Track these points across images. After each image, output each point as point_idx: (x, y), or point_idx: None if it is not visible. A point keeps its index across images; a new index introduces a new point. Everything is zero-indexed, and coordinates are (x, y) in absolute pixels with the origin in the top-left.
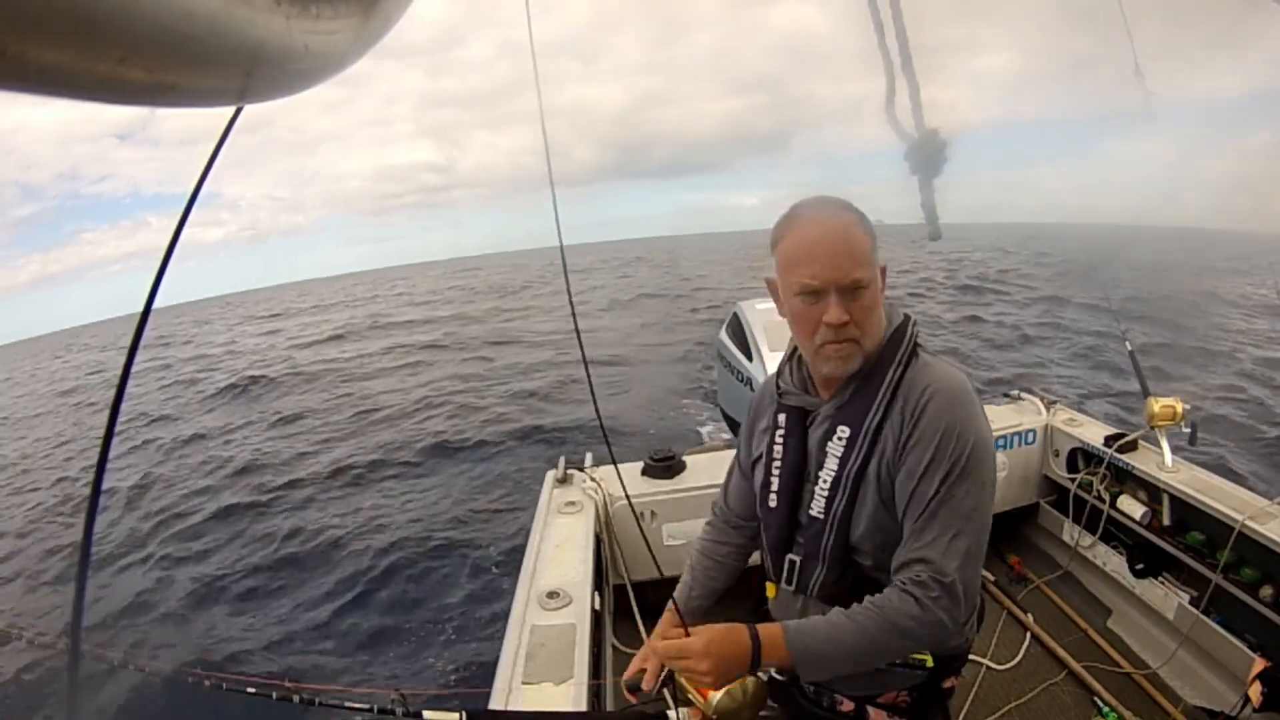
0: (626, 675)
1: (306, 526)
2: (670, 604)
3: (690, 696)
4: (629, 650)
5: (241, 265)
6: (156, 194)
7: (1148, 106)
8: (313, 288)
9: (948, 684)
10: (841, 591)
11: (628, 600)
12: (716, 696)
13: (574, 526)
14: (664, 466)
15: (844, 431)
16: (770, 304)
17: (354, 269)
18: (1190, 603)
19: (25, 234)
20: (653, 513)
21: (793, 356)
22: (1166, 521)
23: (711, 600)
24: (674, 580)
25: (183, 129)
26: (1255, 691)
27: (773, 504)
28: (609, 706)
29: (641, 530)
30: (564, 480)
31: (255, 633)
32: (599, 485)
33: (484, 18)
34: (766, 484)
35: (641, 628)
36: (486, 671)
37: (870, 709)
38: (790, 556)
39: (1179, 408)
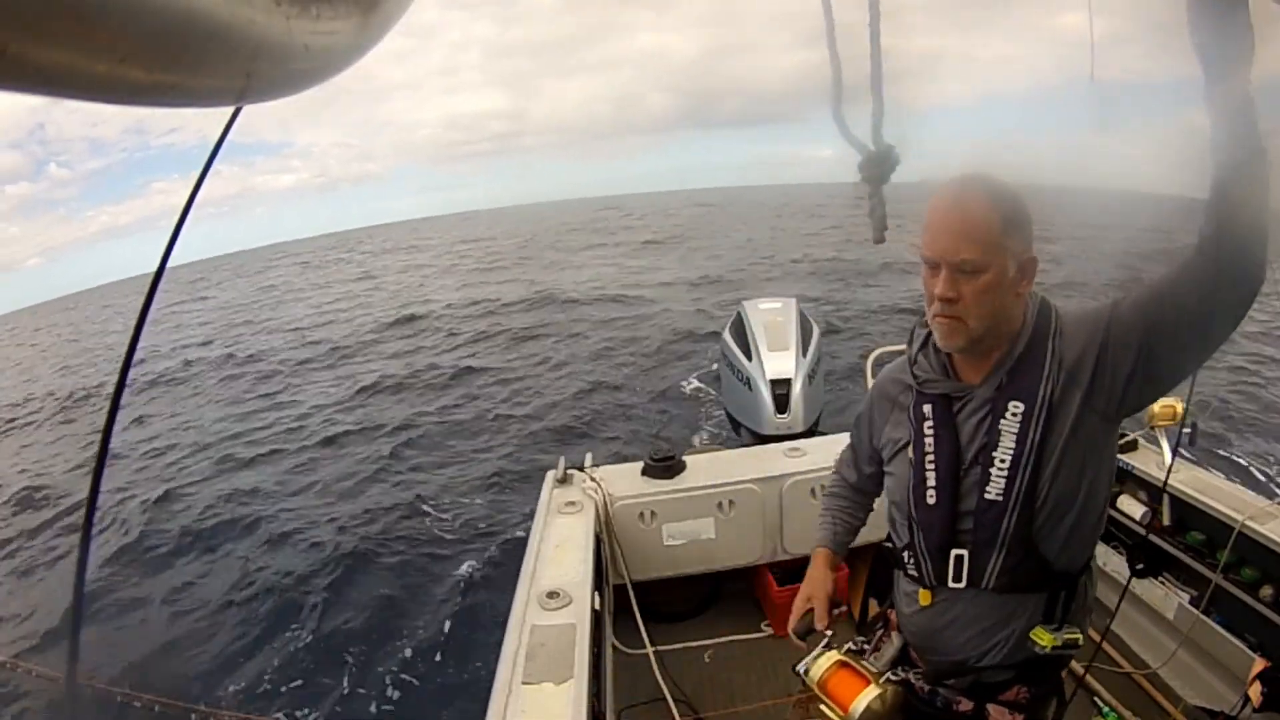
0: (792, 625)
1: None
2: (818, 551)
3: (826, 709)
4: (629, 650)
5: (313, 211)
6: (227, 143)
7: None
8: (391, 232)
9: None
10: (1019, 579)
11: (628, 600)
12: (860, 707)
13: (574, 526)
14: (664, 467)
15: (1017, 408)
16: (772, 304)
17: (424, 214)
18: (1190, 603)
19: (94, 187)
20: (653, 513)
21: (925, 344)
22: (1166, 521)
23: (852, 538)
24: (674, 580)
25: None
26: (1255, 691)
27: (931, 500)
28: (609, 707)
29: (641, 531)
30: (564, 480)
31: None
32: (599, 485)
33: None
34: (921, 481)
35: (641, 628)
36: (486, 671)
37: (990, 707)
38: (956, 552)
39: (1179, 408)
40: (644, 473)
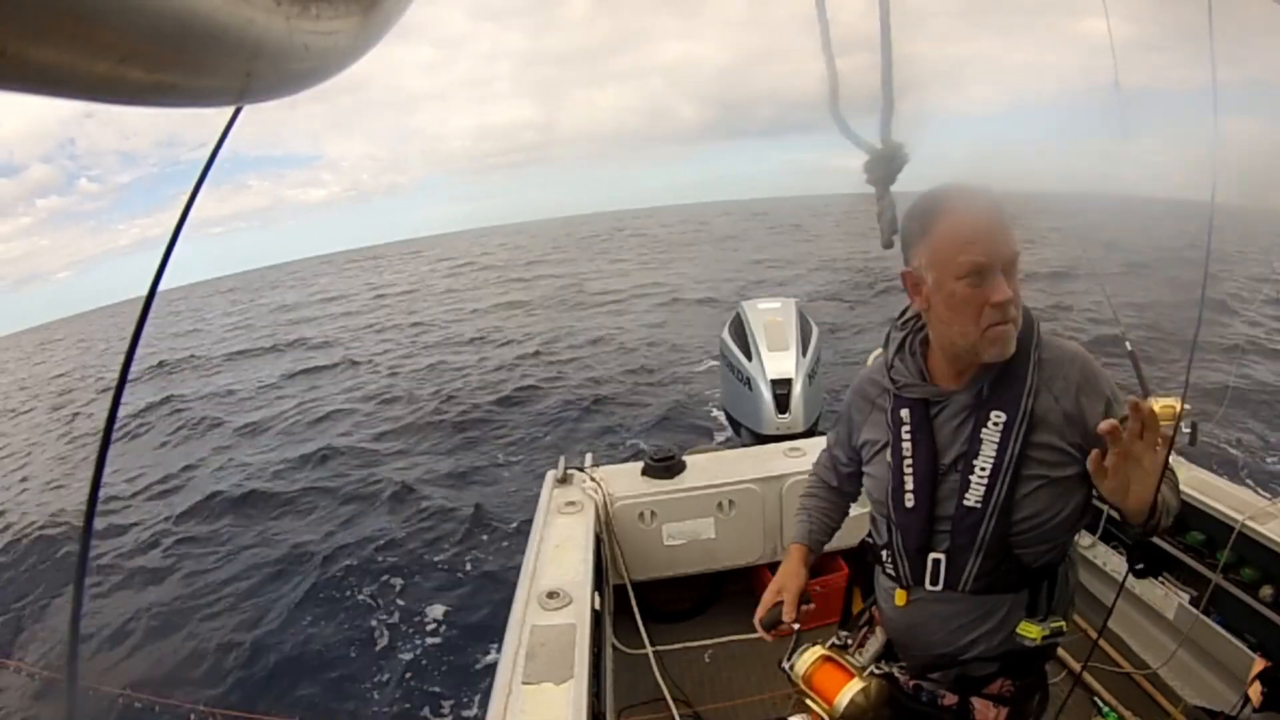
0: (760, 615)
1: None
2: (793, 547)
3: (811, 704)
4: (629, 650)
5: (347, 224)
6: (258, 156)
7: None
8: (429, 244)
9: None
10: (996, 582)
11: (628, 600)
12: (844, 701)
13: (574, 526)
14: (664, 467)
15: (999, 417)
16: (771, 304)
17: (459, 227)
18: (1190, 603)
19: (124, 200)
20: (653, 513)
21: (901, 348)
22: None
23: (828, 538)
24: (674, 580)
25: None
26: (1255, 691)
27: (910, 504)
28: (609, 707)
29: (641, 531)
30: (564, 480)
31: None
32: (599, 485)
33: None
34: (900, 485)
35: (641, 627)
36: (486, 671)
37: (975, 700)
38: (934, 555)
39: (1179, 407)
40: (644, 473)
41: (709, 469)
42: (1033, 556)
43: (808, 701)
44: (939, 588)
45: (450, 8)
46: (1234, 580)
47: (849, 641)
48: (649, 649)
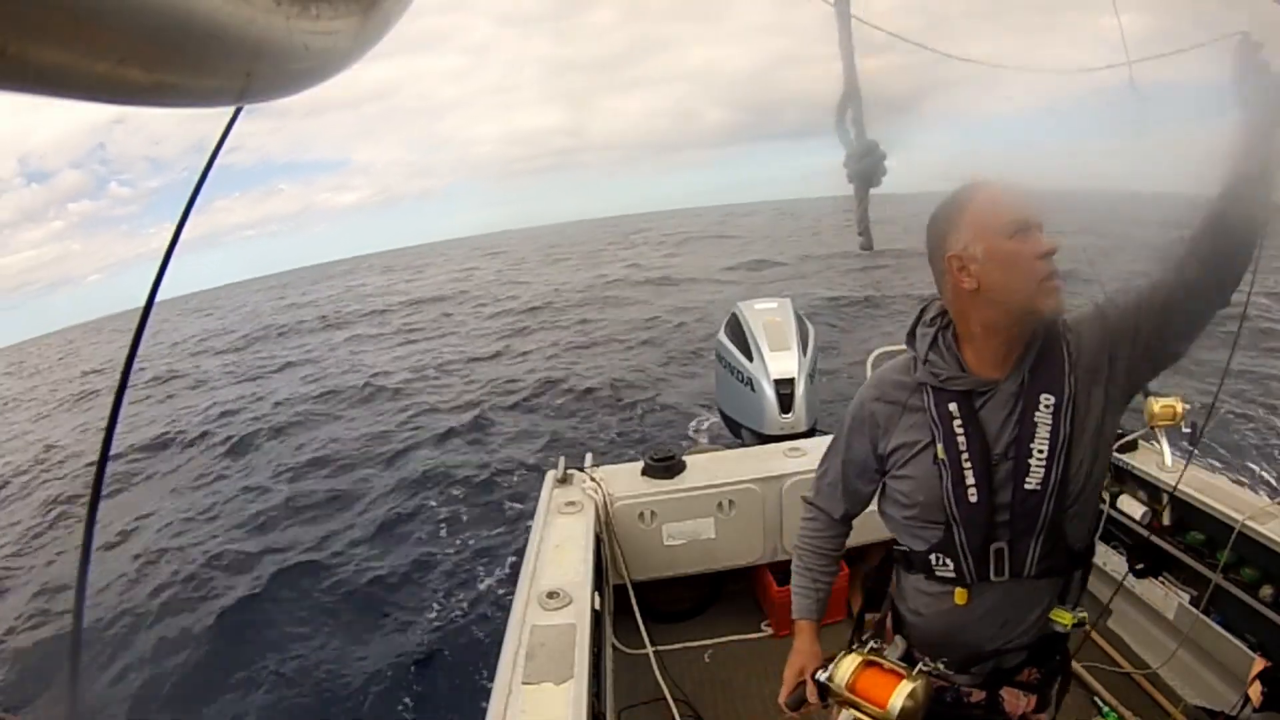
0: (784, 697)
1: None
2: (802, 624)
3: (864, 707)
4: (629, 650)
5: (378, 227)
6: (287, 162)
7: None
8: (453, 247)
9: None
10: (1053, 564)
11: (628, 600)
12: (898, 703)
13: (574, 526)
14: (664, 467)
15: (1048, 400)
16: (768, 304)
17: (489, 230)
18: (1190, 603)
19: (155, 204)
20: (653, 513)
21: (934, 344)
22: (1166, 521)
23: (829, 598)
24: (674, 580)
25: (307, 99)
26: (1255, 691)
27: (973, 499)
28: (609, 707)
29: (641, 531)
30: (564, 480)
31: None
32: (599, 485)
33: None
34: (959, 479)
35: (642, 627)
36: (487, 672)
37: (1004, 691)
38: (995, 545)
39: (1179, 408)
40: (644, 473)
41: (709, 469)
42: (1074, 535)
43: (852, 712)
44: (1004, 577)
45: (477, 15)
46: (1234, 580)
47: (881, 644)
48: (649, 649)
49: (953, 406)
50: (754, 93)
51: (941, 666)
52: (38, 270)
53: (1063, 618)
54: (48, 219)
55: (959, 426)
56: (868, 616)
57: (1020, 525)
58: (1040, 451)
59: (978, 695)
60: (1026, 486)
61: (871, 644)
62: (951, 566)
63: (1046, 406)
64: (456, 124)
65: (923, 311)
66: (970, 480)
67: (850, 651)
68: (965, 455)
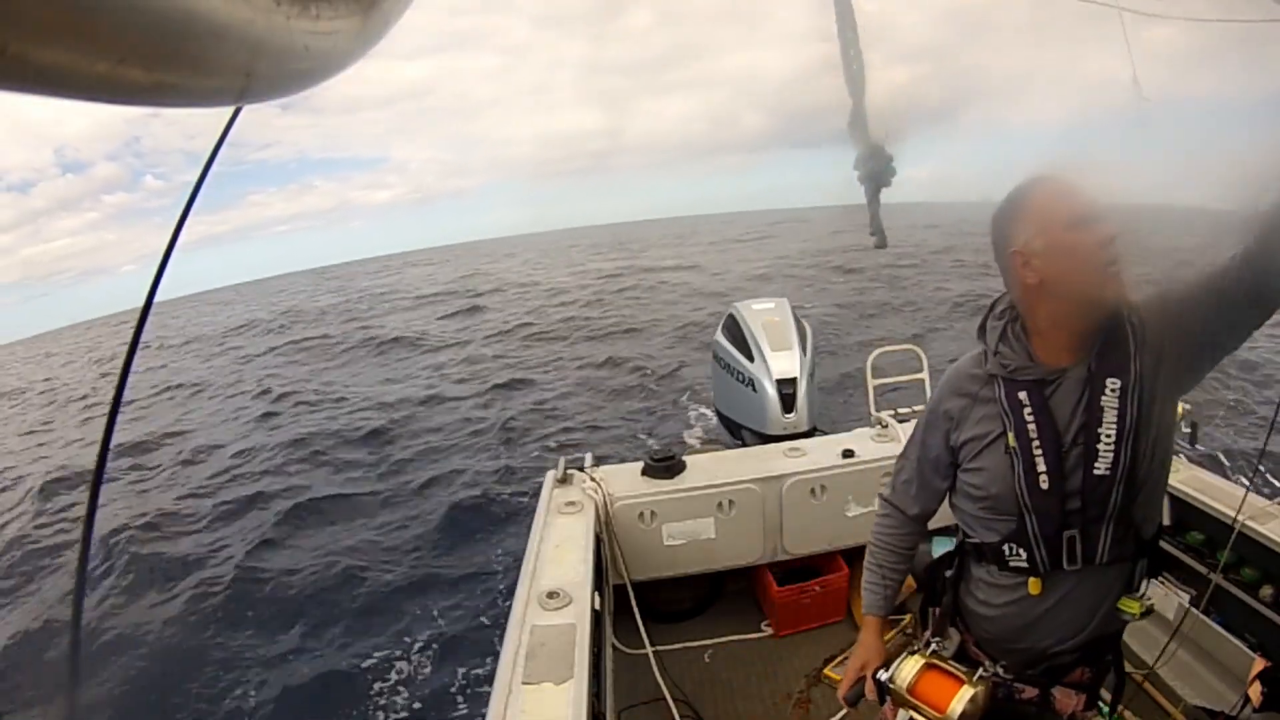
0: (843, 692)
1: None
2: (869, 619)
3: (924, 710)
4: (629, 650)
5: (412, 225)
6: (322, 159)
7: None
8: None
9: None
10: (1124, 550)
11: (628, 600)
12: (959, 709)
13: (574, 526)
14: (664, 467)
15: (1114, 384)
16: (766, 304)
17: (526, 231)
18: (1190, 603)
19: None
20: (653, 513)
21: (1004, 336)
22: (1166, 521)
23: (899, 594)
24: (674, 580)
25: (342, 97)
26: (1255, 691)
27: (1045, 486)
28: (609, 707)
29: (641, 531)
30: (564, 480)
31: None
32: (599, 485)
33: None
34: (1030, 468)
35: (641, 627)
36: (487, 672)
37: (1056, 691)
38: (1068, 533)
39: (1179, 408)
40: (644, 473)
41: (709, 469)
42: (1143, 520)
43: (911, 714)
44: (1077, 565)
45: (514, 16)
46: (1234, 580)
47: (944, 648)
48: (649, 649)
49: (1023, 396)
50: (790, 99)
51: (1001, 671)
52: (74, 259)
53: (1131, 606)
54: (83, 209)
55: (1030, 415)
56: (930, 610)
57: (1092, 511)
58: (1108, 436)
59: (1030, 692)
60: (1096, 472)
61: (934, 646)
62: (1025, 556)
63: (1113, 390)
64: (492, 124)
65: (993, 305)
66: (1041, 468)
67: (913, 653)
68: (1036, 443)
